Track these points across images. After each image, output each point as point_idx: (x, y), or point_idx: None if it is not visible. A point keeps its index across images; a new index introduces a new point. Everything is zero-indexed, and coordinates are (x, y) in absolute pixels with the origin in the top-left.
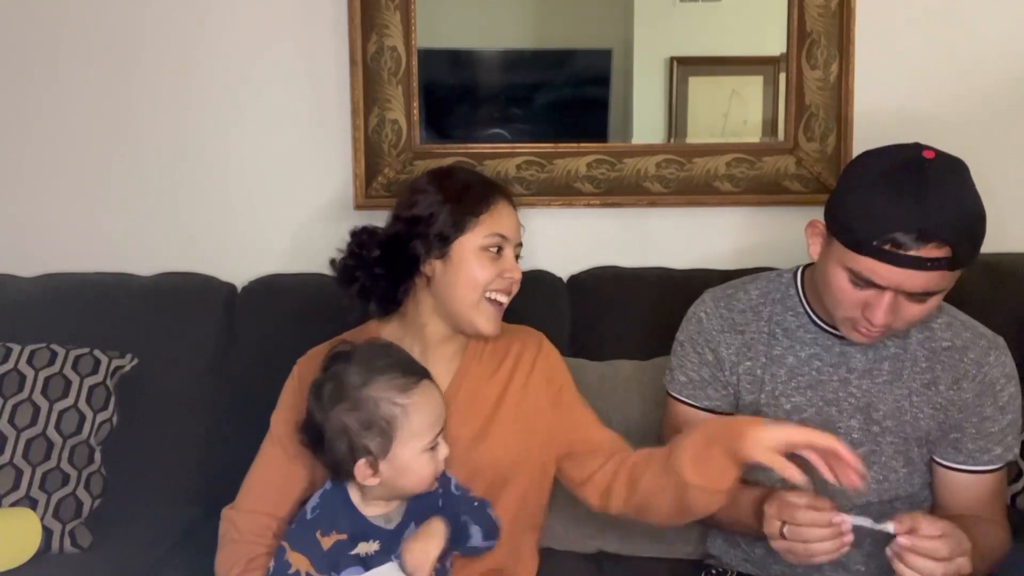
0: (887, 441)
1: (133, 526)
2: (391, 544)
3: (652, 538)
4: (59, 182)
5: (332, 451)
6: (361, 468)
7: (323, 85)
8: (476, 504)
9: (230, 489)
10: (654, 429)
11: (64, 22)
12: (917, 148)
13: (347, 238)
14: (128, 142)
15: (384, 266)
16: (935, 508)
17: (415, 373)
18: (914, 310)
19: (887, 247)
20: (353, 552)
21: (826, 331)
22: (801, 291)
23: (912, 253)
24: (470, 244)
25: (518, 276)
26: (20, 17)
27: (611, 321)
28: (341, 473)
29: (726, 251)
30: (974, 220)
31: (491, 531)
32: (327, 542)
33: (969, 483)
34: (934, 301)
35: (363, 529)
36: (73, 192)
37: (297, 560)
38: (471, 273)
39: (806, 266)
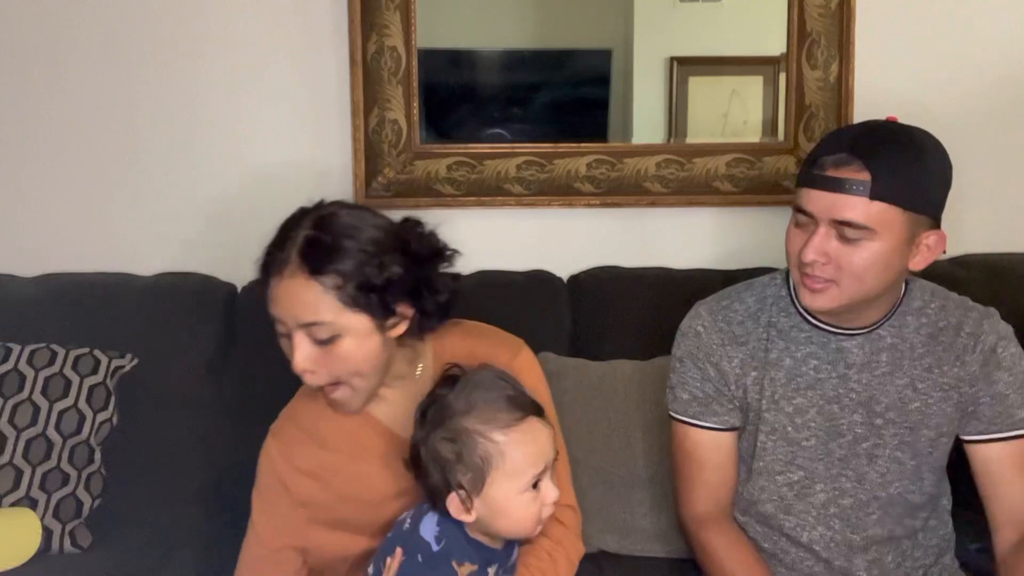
0: (890, 433)
1: (133, 526)
2: (505, 563)
3: (652, 538)
4: (59, 182)
5: (428, 476)
6: (454, 502)
7: (323, 85)
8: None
9: (230, 489)
10: (654, 429)
11: (64, 21)
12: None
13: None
14: (128, 142)
15: None
16: (984, 501)
17: (520, 408)
18: (847, 254)
19: (814, 171)
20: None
21: (820, 328)
22: (792, 290)
23: (831, 173)
24: None
25: (297, 362)
26: (21, 17)
27: (611, 321)
28: (437, 502)
29: (726, 251)
30: (907, 161)
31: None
32: (463, 571)
33: (1003, 454)
34: (868, 248)
35: (488, 556)
36: (73, 192)
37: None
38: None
39: None
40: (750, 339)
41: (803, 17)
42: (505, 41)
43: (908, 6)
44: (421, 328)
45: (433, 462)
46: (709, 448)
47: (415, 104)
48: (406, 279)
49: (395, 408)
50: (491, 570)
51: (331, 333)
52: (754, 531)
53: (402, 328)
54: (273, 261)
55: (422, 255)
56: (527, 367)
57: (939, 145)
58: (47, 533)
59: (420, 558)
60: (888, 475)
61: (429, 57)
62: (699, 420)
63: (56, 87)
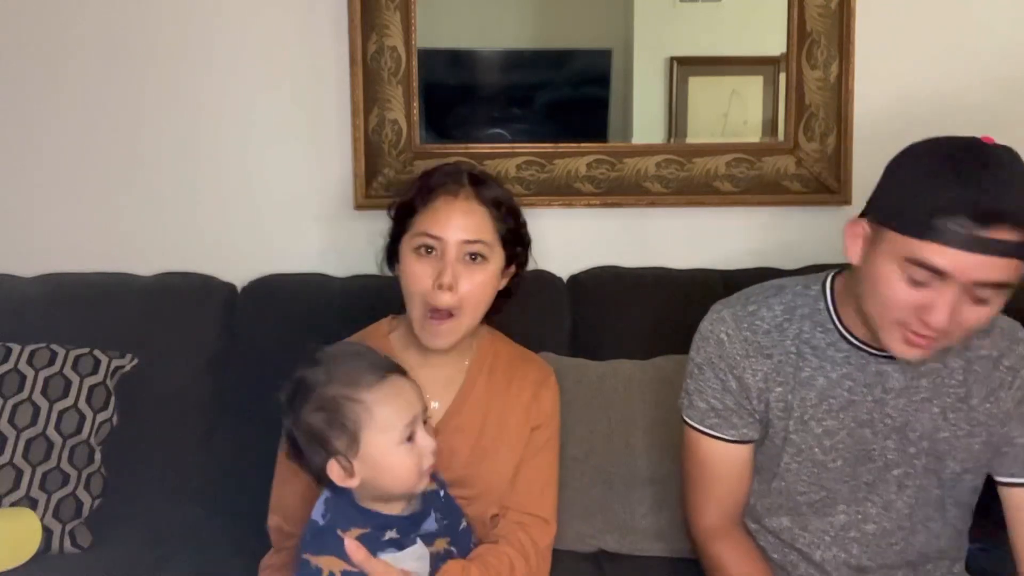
0: (922, 463)
1: (133, 526)
2: (409, 529)
3: (652, 537)
4: (60, 182)
5: (310, 457)
6: (334, 469)
7: (323, 85)
8: (462, 529)
9: (230, 489)
10: (654, 429)
11: (65, 22)
12: (970, 137)
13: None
14: (128, 142)
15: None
16: (1013, 543)
17: (380, 368)
18: (973, 314)
19: (949, 226)
20: (385, 538)
21: (860, 349)
22: (831, 304)
23: (978, 233)
24: (407, 244)
25: (447, 279)
26: (22, 19)
27: (611, 321)
28: (323, 479)
29: (726, 251)
30: None
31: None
32: (351, 536)
33: None
34: (996, 304)
35: (381, 522)
36: (74, 192)
37: (327, 563)
38: (407, 279)
39: (835, 275)
40: (775, 351)
41: (803, 17)
42: (505, 41)
43: (908, 6)
44: (497, 303)
45: (309, 440)
46: (725, 460)
47: (415, 104)
48: (522, 237)
49: (436, 385)
50: (391, 533)
51: (483, 252)
52: (764, 540)
53: (502, 285)
54: (443, 184)
55: (523, 226)
56: (551, 393)
57: None
58: (47, 533)
59: (309, 537)
60: (915, 503)
61: (429, 57)
62: (716, 431)
63: (56, 88)
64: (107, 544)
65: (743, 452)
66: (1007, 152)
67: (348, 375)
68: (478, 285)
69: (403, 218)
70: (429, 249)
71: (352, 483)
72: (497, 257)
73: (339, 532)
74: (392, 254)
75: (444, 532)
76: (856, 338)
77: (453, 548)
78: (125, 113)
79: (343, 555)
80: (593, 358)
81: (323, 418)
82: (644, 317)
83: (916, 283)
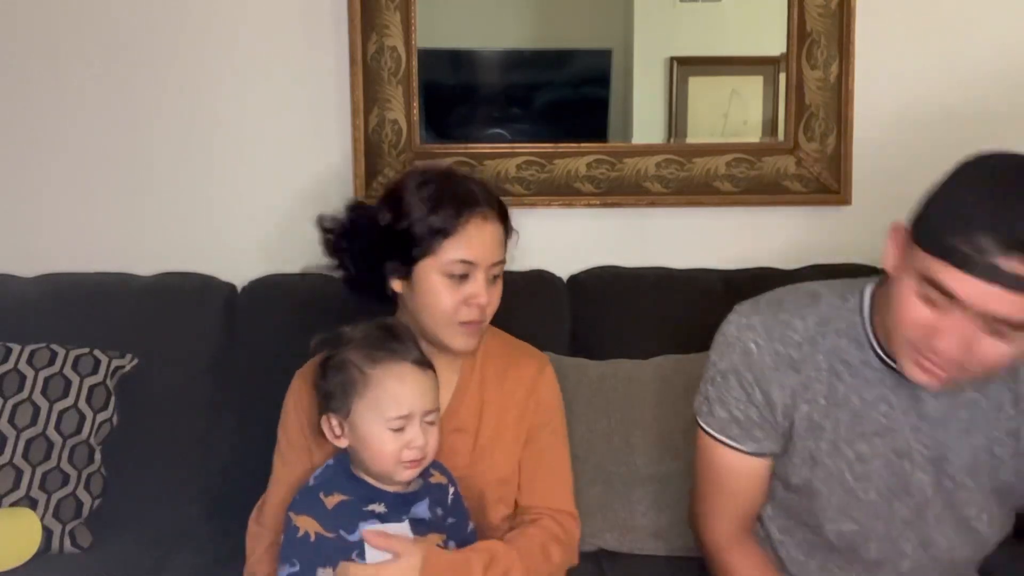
0: (963, 499)
1: (133, 526)
2: (399, 507)
3: (652, 536)
4: (59, 182)
5: (321, 403)
6: (326, 422)
7: (323, 85)
8: (469, 531)
9: (230, 489)
10: (654, 428)
11: (64, 22)
12: None
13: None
14: (128, 142)
15: (359, 269)
16: None
17: (402, 353)
18: (992, 349)
19: (965, 248)
20: (367, 508)
21: (893, 368)
22: (868, 318)
23: (993, 261)
24: (433, 267)
25: (484, 301)
26: (21, 18)
27: (611, 321)
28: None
29: (726, 251)
30: None
31: None
32: (331, 502)
33: None
34: (1017, 342)
35: (366, 493)
36: (73, 192)
37: (304, 523)
38: (434, 300)
39: (877, 286)
40: (805, 366)
41: (803, 17)
42: (505, 41)
43: (908, 6)
44: None
45: (319, 388)
46: (742, 473)
47: (415, 104)
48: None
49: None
50: (376, 506)
51: (502, 271)
52: (787, 553)
53: None
54: (469, 208)
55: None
56: (549, 383)
57: None
58: (47, 533)
59: (298, 496)
60: (956, 539)
61: (429, 57)
62: (736, 443)
63: (58, 89)
64: (107, 544)
65: (762, 465)
66: None
67: (371, 346)
68: (498, 296)
69: (427, 238)
70: (463, 276)
71: (339, 443)
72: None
73: (321, 495)
74: (397, 264)
75: (441, 527)
76: (890, 356)
77: (451, 545)
78: (126, 114)
79: (319, 517)
80: (593, 358)
81: (333, 375)
82: (644, 317)
83: (930, 303)
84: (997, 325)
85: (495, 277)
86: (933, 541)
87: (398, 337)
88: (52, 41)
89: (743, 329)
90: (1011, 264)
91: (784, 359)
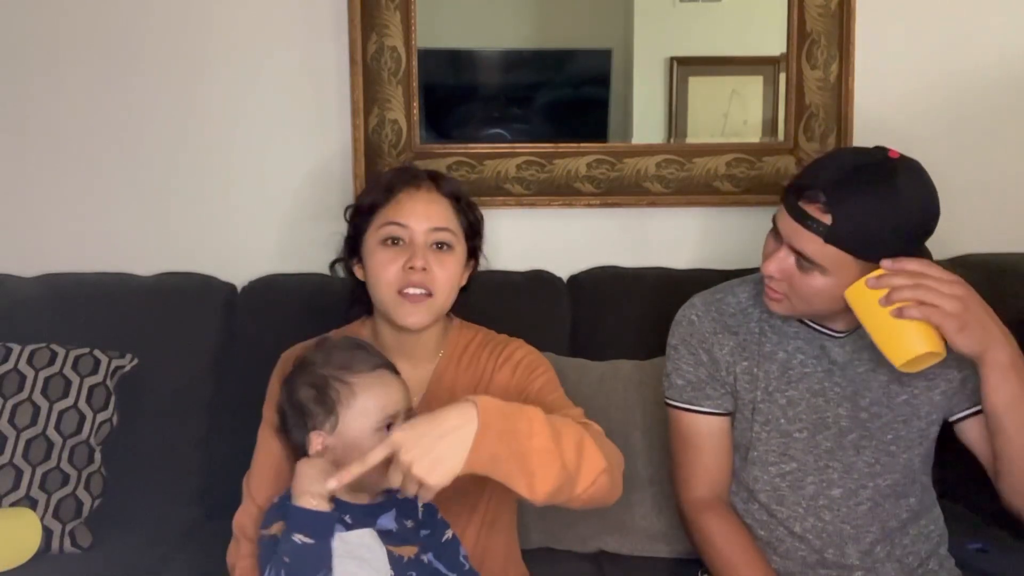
0: (877, 426)
1: (133, 526)
2: (363, 518)
3: (652, 537)
4: (59, 182)
5: (294, 431)
6: (313, 441)
7: (323, 85)
8: (445, 540)
9: (230, 489)
10: (654, 429)
11: (64, 21)
12: (895, 153)
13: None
14: (128, 142)
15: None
16: (989, 469)
17: (372, 359)
18: (800, 279)
19: (791, 193)
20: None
21: (807, 325)
22: None
23: (799, 203)
24: (373, 238)
25: (419, 263)
26: (20, 17)
27: (611, 321)
28: (300, 453)
29: (726, 251)
30: (876, 214)
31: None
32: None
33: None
34: (818, 280)
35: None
36: (73, 192)
37: (275, 528)
38: (378, 271)
39: None
40: (741, 330)
41: (803, 17)
42: (505, 41)
43: (908, 6)
44: (457, 299)
45: (298, 413)
46: (705, 433)
47: (415, 104)
48: (480, 231)
49: (411, 386)
50: (347, 518)
51: (449, 241)
52: (753, 519)
53: (464, 280)
54: (403, 180)
55: (480, 221)
56: (521, 348)
57: (923, 191)
58: (47, 533)
59: (265, 516)
60: (877, 466)
61: (429, 57)
62: (694, 404)
63: (56, 87)
64: (107, 544)
65: (721, 424)
66: (905, 169)
67: (343, 360)
68: (448, 270)
69: (365, 215)
70: (396, 240)
71: (322, 450)
72: (461, 248)
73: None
74: (352, 253)
75: (413, 539)
76: (804, 319)
77: (427, 557)
78: (125, 113)
79: (286, 518)
80: (593, 358)
81: (312, 395)
82: (644, 317)
83: (773, 238)
84: (799, 258)
85: (439, 246)
86: (854, 466)
87: (363, 346)
88: (52, 41)
89: (686, 308)
90: (807, 206)
91: (721, 324)
